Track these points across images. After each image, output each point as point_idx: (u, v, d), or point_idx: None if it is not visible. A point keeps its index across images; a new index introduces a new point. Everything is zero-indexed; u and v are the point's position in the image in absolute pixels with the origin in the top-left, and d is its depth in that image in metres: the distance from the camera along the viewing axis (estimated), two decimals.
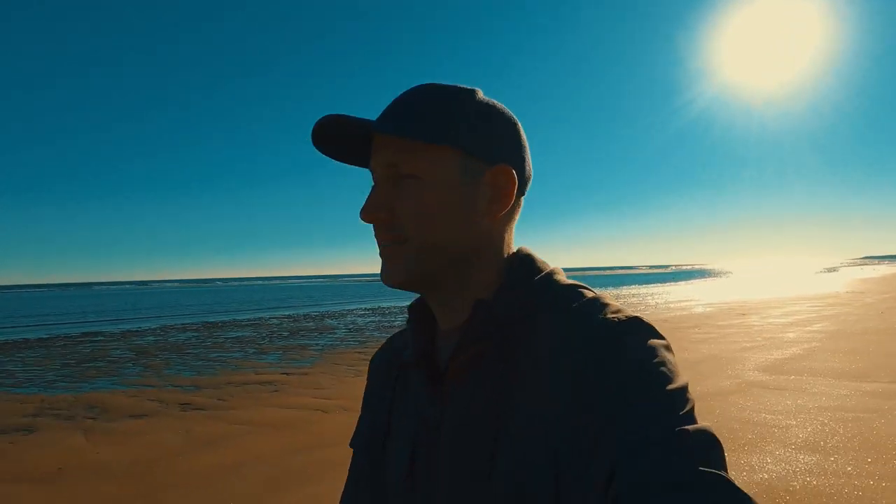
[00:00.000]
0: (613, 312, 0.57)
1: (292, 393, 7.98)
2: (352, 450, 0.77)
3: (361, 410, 0.79)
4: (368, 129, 0.60)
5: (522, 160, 0.65)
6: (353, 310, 25.98)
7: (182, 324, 21.41)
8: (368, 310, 25.52)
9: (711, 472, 0.45)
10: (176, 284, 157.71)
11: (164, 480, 4.57)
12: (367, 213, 0.61)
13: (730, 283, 40.69)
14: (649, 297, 27.22)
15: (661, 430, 0.47)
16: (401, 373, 0.71)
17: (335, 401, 7.30)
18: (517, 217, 0.67)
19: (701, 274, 76.07)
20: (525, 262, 0.65)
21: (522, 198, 0.67)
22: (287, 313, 25.48)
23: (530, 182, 0.68)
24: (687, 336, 12.10)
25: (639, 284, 45.95)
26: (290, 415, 6.66)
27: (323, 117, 0.61)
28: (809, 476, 4.06)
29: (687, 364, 8.65)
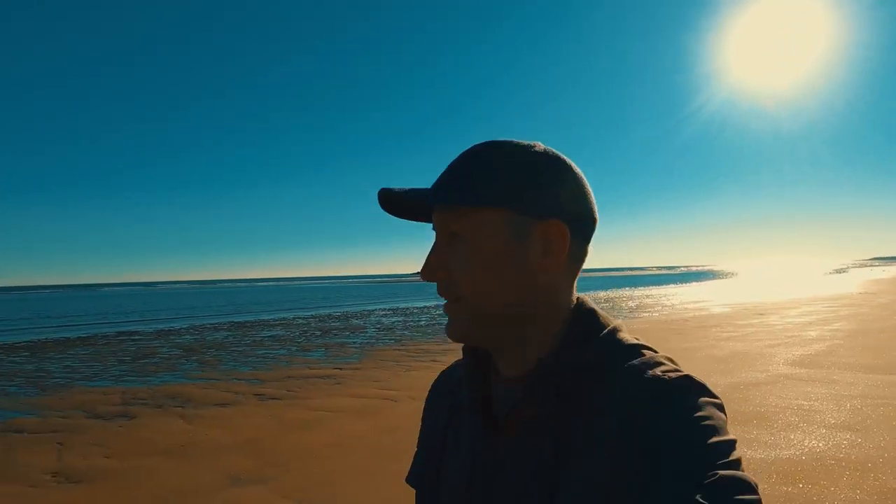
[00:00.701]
0: (666, 371, 0.57)
1: (354, 385, 8.63)
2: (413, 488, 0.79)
3: (417, 447, 0.80)
4: (412, 200, 0.64)
5: (577, 211, 0.64)
6: (373, 310, 26.65)
7: (211, 324, 22.10)
8: (390, 310, 26.18)
9: None
10: (184, 286, 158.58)
11: (282, 455, 5.23)
12: (425, 275, 0.65)
13: (739, 285, 41.16)
14: (664, 299, 27.77)
15: (697, 476, 0.49)
16: (454, 412, 0.73)
17: (398, 391, 7.93)
18: (580, 267, 0.67)
19: (707, 275, 76.26)
20: (589, 317, 0.65)
21: (587, 245, 0.67)
22: (310, 314, 26.13)
23: (595, 227, 0.67)
24: (712, 334, 12.68)
25: (651, 286, 46.44)
26: (362, 403, 7.31)
27: (379, 192, 0.65)
28: (851, 448, 4.69)
29: (717, 360, 9.25)
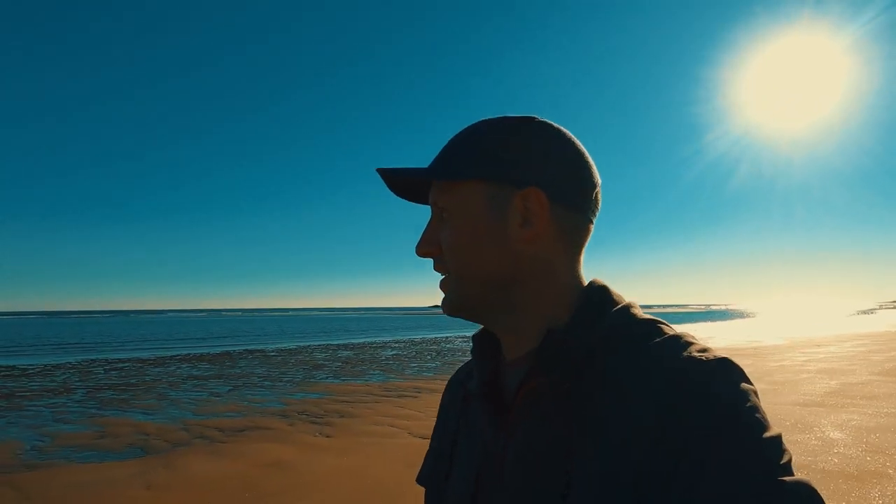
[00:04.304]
0: (700, 351, 0.55)
1: None
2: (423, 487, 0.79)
3: (429, 446, 0.81)
4: (403, 177, 0.67)
5: (560, 178, 0.63)
6: (449, 336, 29.46)
7: (320, 344, 24.98)
8: (468, 337, 28.93)
9: None
10: (203, 314, 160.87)
11: None
12: (418, 250, 0.67)
13: (771, 323, 43.05)
14: (713, 332, 30.24)
15: (757, 479, 0.46)
16: (465, 403, 0.72)
17: None
18: (580, 240, 0.66)
19: (729, 315, 76.33)
20: (599, 293, 0.64)
21: (583, 217, 0.65)
22: (391, 338, 28.94)
23: (590, 202, 0.65)
24: (791, 357, 15.40)
25: (692, 322, 48.48)
26: None
27: (379, 171, 0.67)
28: None
29: (818, 371, 12.02)
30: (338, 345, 24.80)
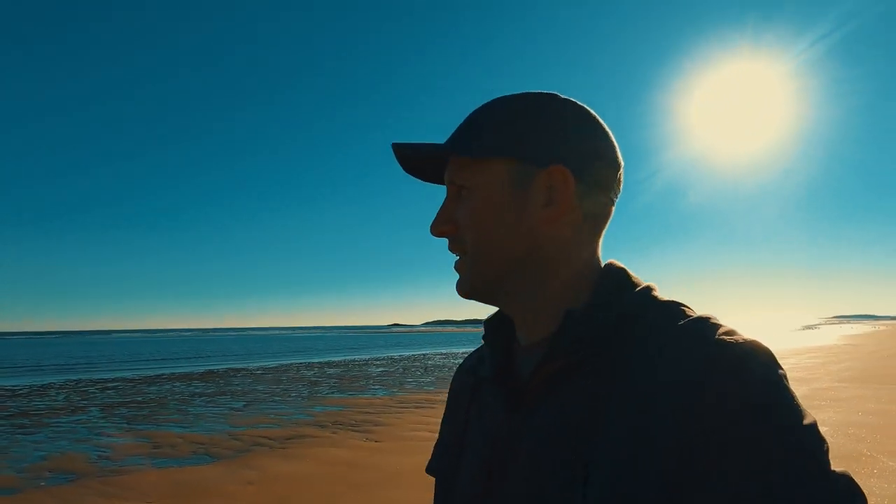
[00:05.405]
0: (728, 334, 0.52)
1: None
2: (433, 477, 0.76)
3: (438, 435, 0.78)
4: (420, 153, 0.65)
5: (585, 157, 0.61)
6: (426, 354, 29.94)
7: (301, 363, 25.22)
8: (442, 354, 29.57)
9: None
10: (160, 334, 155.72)
11: None
12: (434, 228, 0.65)
13: None
14: None
15: (802, 468, 0.45)
16: (475, 390, 0.70)
17: None
18: (602, 222, 0.64)
19: None
20: (619, 274, 0.62)
21: (607, 198, 0.63)
22: (369, 357, 29.33)
23: (614, 182, 0.64)
24: None
25: None
26: None
27: (393, 146, 0.65)
28: None
29: (793, 380, 13.29)
30: (319, 363, 25.10)
